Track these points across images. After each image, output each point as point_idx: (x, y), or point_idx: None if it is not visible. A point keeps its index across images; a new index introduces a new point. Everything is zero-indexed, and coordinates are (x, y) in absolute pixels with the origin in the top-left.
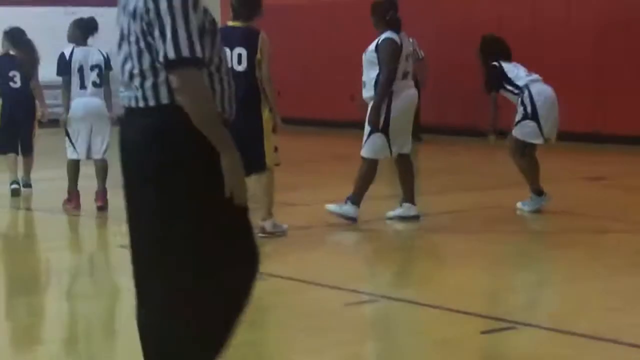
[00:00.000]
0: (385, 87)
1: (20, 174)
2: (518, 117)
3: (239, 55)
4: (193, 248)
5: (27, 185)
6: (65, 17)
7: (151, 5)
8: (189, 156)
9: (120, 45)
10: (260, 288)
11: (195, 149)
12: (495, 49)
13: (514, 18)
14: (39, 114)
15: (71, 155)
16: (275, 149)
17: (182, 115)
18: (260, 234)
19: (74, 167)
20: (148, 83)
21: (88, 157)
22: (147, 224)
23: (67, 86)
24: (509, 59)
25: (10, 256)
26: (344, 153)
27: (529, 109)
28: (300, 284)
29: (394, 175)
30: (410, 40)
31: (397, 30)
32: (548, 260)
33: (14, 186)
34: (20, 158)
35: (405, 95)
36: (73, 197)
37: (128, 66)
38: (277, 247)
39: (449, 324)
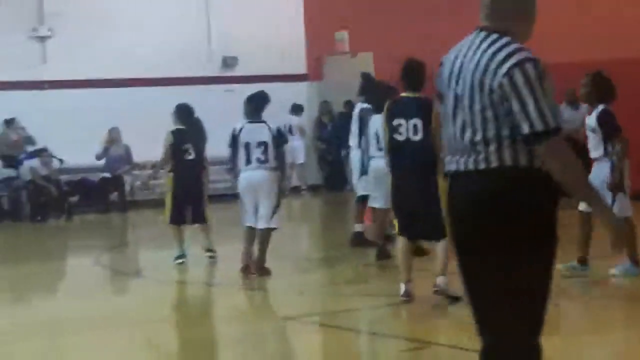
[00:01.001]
0: None
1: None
2: None
3: (415, 126)
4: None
5: (210, 250)
6: (224, 94)
7: (505, 81)
8: (535, 208)
9: (454, 112)
10: None
11: (536, 204)
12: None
13: None
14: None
15: (245, 222)
16: None
17: (521, 173)
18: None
19: (248, 234)
20: (492, 148)
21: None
22: (495, 266)
23: (233, 159)
24: None
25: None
26: None
27: None
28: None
29: None
30: None
31: None
32: None
33: (180, 260)
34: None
35: None
36: (246, 262)
37: (468, 134)
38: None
39: None
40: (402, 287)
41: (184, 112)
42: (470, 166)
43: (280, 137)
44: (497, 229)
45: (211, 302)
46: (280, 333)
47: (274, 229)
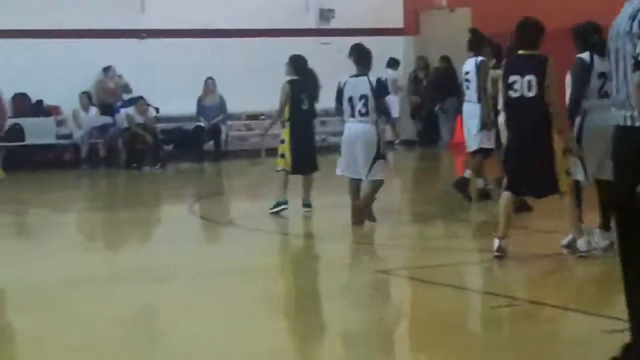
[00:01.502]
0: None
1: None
2: None
3: (529, 82)
4: None
5: (307, 205)
6: (320, 46)
7: None
8: None
9: (616, 66)
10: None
11: None
12: None
13: None
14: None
15: (342, 172)
16: (567, 172)
17: None
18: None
19: (351, 186)
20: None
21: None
22: None
23: (339, 113)
24: None
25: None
26: None
27: None
28: (556, 310)
29: None
30: None
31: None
32: None
33: (282, 207)
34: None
35: None
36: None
37: (623, 89)
38: (530, 272)
39: None
40: (496, 243)
41: (299, 63)
42: (628, 122)
43: (379, 89)
44: None
45: (305, 253)
46: (374, 286)
47: (380, 180)
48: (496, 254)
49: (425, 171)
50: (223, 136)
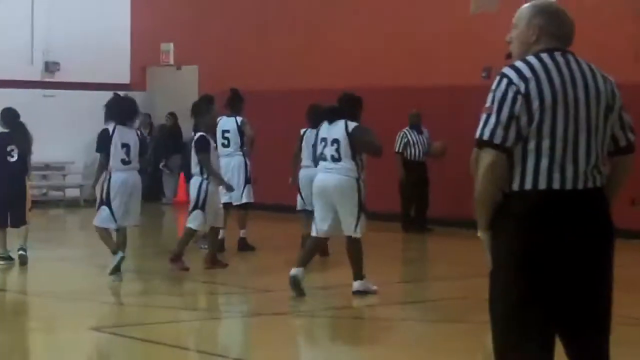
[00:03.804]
0: None
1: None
2: None
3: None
4: None
5: (22, 249)
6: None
7: None
8: None
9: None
10: None
11: None
12: None
13: None
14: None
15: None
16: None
17: None
18: None
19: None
20: None
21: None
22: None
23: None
24: None
25: None
26: None
27: None
28: None
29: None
30: None
31: None
32: None
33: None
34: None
35: None
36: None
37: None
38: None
39: None
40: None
41: (8, 115)
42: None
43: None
44: None
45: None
46: (87, 344)
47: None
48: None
49: (149, 227)
50: None
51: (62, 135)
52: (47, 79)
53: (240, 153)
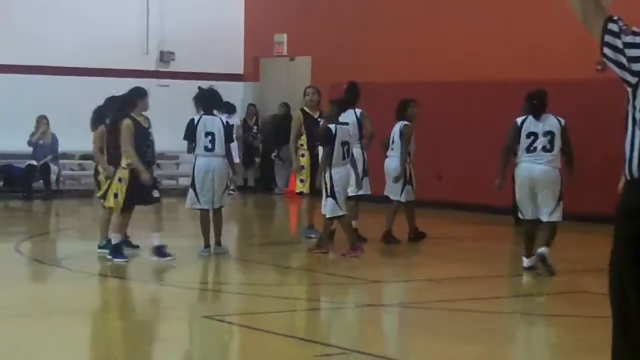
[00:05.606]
0: None
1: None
2: None
3: None
4: None
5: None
6: (159, 88)
7: None
8: None
9: None
10: None
11: None
12: None
13: None
14: None
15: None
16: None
17: None
18: None
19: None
20: None
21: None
22: None
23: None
24: None
25: None
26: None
27: None
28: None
29: None
30: None
31: None
32: None
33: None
34: None
35: None
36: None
37: None
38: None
39: None
40: None
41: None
42: None
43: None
44: None
45: (132, 296)
46: (201, 332)
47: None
48: None
49: (263, 217)
50: (54, 175)
51: (175, 124)
52: (161, 69)
53: (359, 145)
